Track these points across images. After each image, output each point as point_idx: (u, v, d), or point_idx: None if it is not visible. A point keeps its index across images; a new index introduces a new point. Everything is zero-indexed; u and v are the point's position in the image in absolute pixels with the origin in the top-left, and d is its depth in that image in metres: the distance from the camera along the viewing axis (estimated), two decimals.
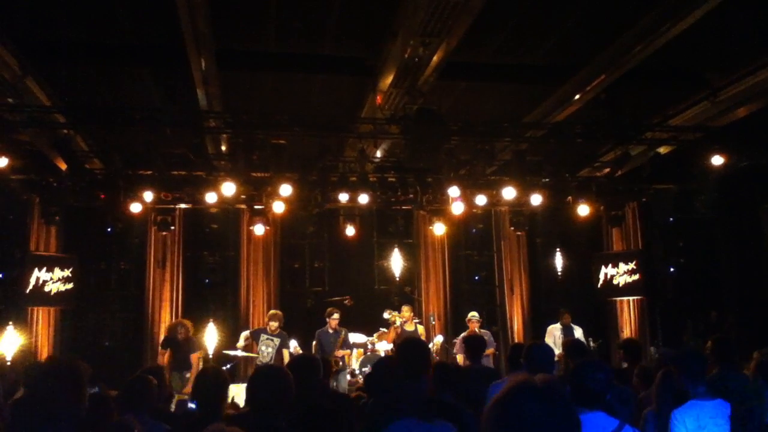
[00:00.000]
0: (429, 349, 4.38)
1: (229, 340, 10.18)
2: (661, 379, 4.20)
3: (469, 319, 10.17)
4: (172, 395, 6.55)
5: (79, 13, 7.10)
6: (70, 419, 2.66)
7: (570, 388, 3.31)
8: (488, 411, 1.60)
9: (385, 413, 3.13)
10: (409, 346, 4.04)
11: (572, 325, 10.51)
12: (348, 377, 9.61)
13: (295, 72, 8.56)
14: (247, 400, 3.28)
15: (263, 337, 9.41)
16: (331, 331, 9.65)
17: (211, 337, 10.14)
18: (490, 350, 9.55)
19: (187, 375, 8.96)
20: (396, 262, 12.38)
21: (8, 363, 8.61)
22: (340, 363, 9.52)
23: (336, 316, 9.67)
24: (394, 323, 9.98)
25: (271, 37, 7.74)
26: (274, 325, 9.42)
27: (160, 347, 9.67)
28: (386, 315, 10.34)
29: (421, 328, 10.37)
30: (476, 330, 9.85)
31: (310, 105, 9.47)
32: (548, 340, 10.27)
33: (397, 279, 12.35)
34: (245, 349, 9.52)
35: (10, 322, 9.56)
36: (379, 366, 3.69)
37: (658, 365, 5.32)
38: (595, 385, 3.24)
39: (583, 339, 10.00)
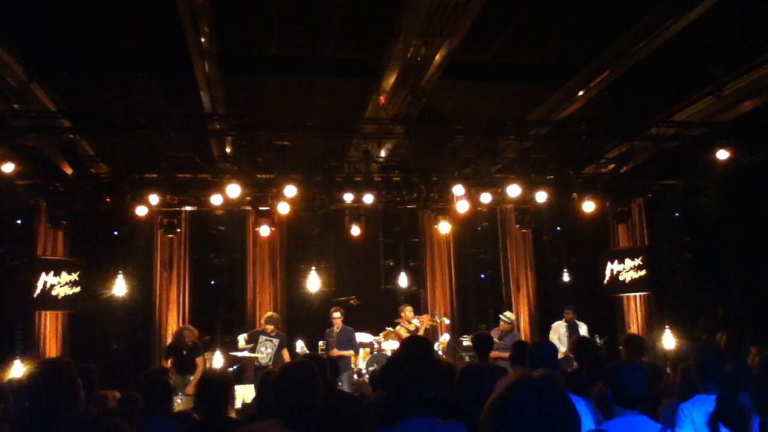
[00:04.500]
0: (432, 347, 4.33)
1: (236, 341, 10.18)
2: (683, 373, 4.19)
3: (502, 319, 9.88)
4: (174, 394, 6.62)
5: (84, 18, 7.12)
6: (71, 418, 2.66)
7: (610, 390, 3.29)
8: (487, 407, 1.59)
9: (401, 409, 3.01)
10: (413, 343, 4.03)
11: (577, 321, 10.45)
12: (355, 377, 9.61)
13: (298, 74, 8.57)
14: (269, 404, 2.94)
15: (262, 338, 9.41)
16: (336, 329, 9.66)
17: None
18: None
19: (191, 378, 8.97)
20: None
21: None
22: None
23: (337, 315, 9.65)
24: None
25: (274, 40, 7.74)
26: (270, 327, 9.43)
27: (164, 356, 9.67)
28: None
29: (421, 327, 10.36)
30: (500, 331, 9.57)
31: (313, 106, 9.47)
32: (553, 337, 10.24)
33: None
34: (249, 349, 9.52)
35: None
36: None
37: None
38: (635, 384, 3.21)
39: (588, 336, 9.94)
